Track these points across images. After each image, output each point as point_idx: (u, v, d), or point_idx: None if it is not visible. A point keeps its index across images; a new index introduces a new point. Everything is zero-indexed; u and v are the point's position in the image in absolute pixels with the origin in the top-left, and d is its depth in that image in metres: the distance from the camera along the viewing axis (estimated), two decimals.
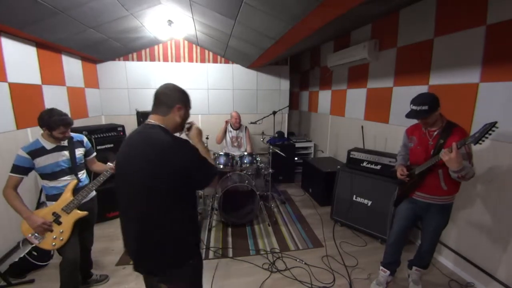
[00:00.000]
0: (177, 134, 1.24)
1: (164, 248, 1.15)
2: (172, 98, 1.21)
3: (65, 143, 1.89)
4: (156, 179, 1.08)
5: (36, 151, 1.76)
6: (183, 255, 1.20)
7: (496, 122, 1.50)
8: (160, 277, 1.21)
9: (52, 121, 1.73)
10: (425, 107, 1.71)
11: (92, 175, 2.17)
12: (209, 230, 3.11)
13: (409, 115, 1.79)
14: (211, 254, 2.68)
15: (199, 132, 1.36)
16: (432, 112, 1.72)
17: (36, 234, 1.75)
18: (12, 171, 1.72)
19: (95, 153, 2.14)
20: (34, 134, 2.77)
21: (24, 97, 2.73)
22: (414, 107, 1.75)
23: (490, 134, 1.52)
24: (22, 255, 2.37)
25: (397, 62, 3.01)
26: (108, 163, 2.00)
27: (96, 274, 2.30)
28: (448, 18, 2.37)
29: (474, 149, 1.78)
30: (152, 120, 1.19)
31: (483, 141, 1.54)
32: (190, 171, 1.12)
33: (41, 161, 1.77)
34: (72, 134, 1.94)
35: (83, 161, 2.02)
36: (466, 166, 1.62)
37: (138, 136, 1.17)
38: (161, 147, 1.09)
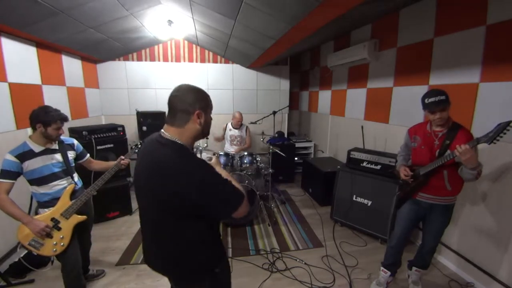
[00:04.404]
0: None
1: (168, 257, 1.13)
2: (188, 103, 1.03)
3: (55, 146, 1.85)
4: (160, 195, 1.03)
5: (24, 154, 1.69)
6: (187, 272, 1.13)
7: (510, 121, 1.43)
8: (173, 281, 1.24)
9: (49, 116, 1.70)
10: (443, 97, 1.68)
11: (92, 176, 2.16)
12: None
13: (429, 106, 1.72)
14: None
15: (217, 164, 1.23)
16: (449, 103, 1.71)
17: (36, 240, 1.70)
18: (1, 177, 1.63)
19: (88, 155, 2.12)
20: None
21: (24, 97, 2.73)
22: (432, 99, 1.70)
23: (505, 134, 1.45)
24: (22, 255, 2.36)
25: (397, 62, 3.01)
26: (122, 156, 1.99)
27: (93, 269, 2.33)
28: (448, 18, 2.37)
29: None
30: (167, 132, 1.05)
31: (498, 140, 1.47)
32: (192, 196, 0.96)
33: (30, 165, 1.70)
34: (62, 137, 1.90)
35: (73, 164, 1.98)
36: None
37: (149, 148, 1.09)
38: (163, 170, 0.99)
